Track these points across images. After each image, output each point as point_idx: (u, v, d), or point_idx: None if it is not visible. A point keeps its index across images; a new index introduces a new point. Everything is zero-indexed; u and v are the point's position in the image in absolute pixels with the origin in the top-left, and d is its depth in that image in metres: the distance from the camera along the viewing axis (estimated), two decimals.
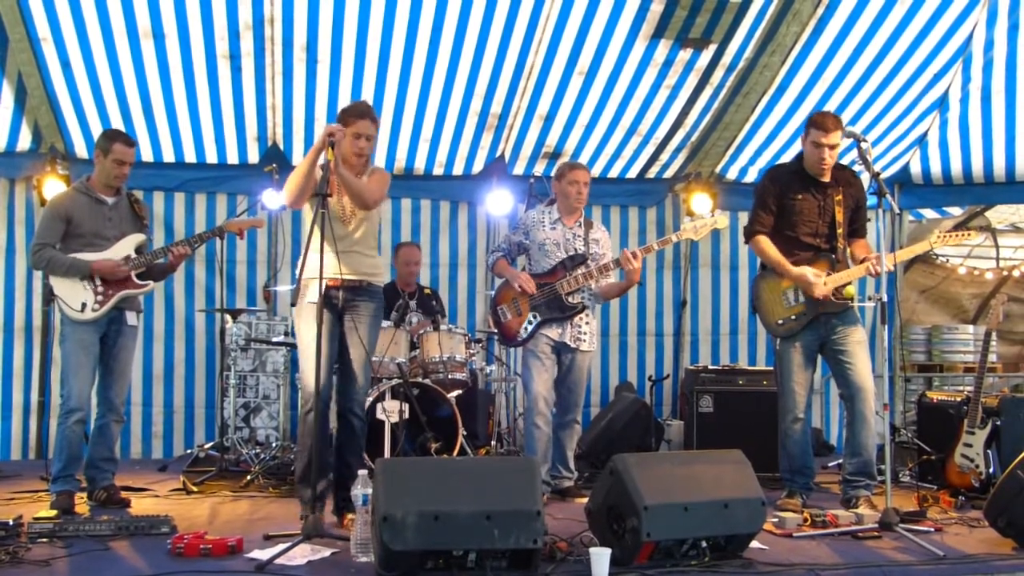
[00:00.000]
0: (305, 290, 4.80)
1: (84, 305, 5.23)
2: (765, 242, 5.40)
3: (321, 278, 4.42)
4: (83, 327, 5.24)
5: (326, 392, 4.77)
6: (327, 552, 4.08)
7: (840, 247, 5.37)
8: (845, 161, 5.42)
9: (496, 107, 7.30)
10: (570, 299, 5.66)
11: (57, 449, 5.20)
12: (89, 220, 5.30)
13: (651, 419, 7.12)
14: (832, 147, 5.21)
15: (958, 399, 6.06)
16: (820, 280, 5.21)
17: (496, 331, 6.01)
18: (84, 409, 5.21)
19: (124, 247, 5.36)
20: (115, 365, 5.41)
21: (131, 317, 5.44)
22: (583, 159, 7.82)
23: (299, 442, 4.87)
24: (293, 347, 7.19)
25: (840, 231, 5.36)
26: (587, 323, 5.77)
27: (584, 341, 5.74)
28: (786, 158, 7.46)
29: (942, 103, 7.41)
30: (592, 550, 3.74)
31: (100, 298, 5.26)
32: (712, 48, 6.79)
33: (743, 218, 5.65)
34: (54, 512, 4.84)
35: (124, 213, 5.46)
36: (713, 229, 5.73)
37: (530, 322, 5.68)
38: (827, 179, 5.35)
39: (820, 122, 5.20)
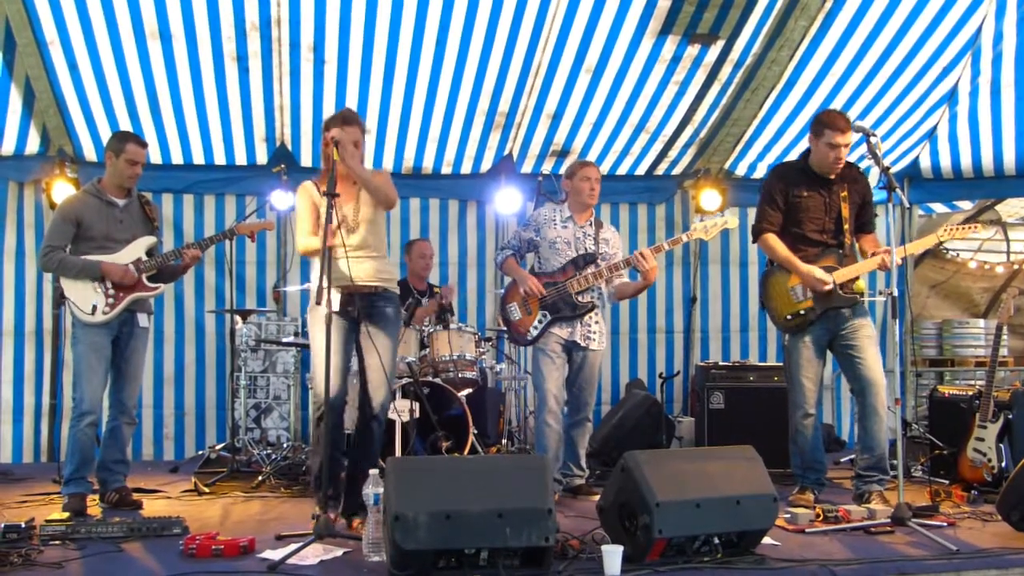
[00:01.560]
0: (324, 295, 4.79)
1: (95, 308, 5.23)
2: (774, 239, 5.39)
3: (329, 282, 4.42)
4: (95, 330, 5.25)
5: (338, 399, 4.76)
6: (339, 552, 4.08)
7: (847, 243, 5.37)
8: (855, 155, 5.41)
9: (504, 105, 7.30)
10: (580, 298, 5.64)
11: (69, 452, 5.22)
12: (100, 223, 5.30)
13: (662, 416, 7.12)
14: (846, 146, 5.23)
15: (970, 393, 6.04)
16: (829, 278, 5.20)
17: (506, 329, 6.01)
18: (96, 412, 5.22)
19: (135, 250, 5.37)
20: (127, 368, 5.41)
21: (142, 319, 5.45)
22: (591, 157, 7.82)
23: (312, 448, 4.92)
24: (303, 347, 7.22)
25: (847, 227, 5.36)
26: (597, 322, 5.75)
27: (594, 340, 5.73)
28: (795, 153, 7.45)
29: (951, 97, 7.39)
30: (604, 547, 3.73)
31: (111, 300, 5.26)
32: (720, 44, 6.78)
33: (752, 214, 5.64)
34: (66, 514, 4.86)
35: (135, 215, 5.46)
36: (724, 229, 5.71)
37: (540, 321, 5.67)
38: (833, 176, 5.35)
39: (835, 122, 5.19)
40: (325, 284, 4.59)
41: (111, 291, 5.27)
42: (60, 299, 5.35)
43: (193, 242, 5.60)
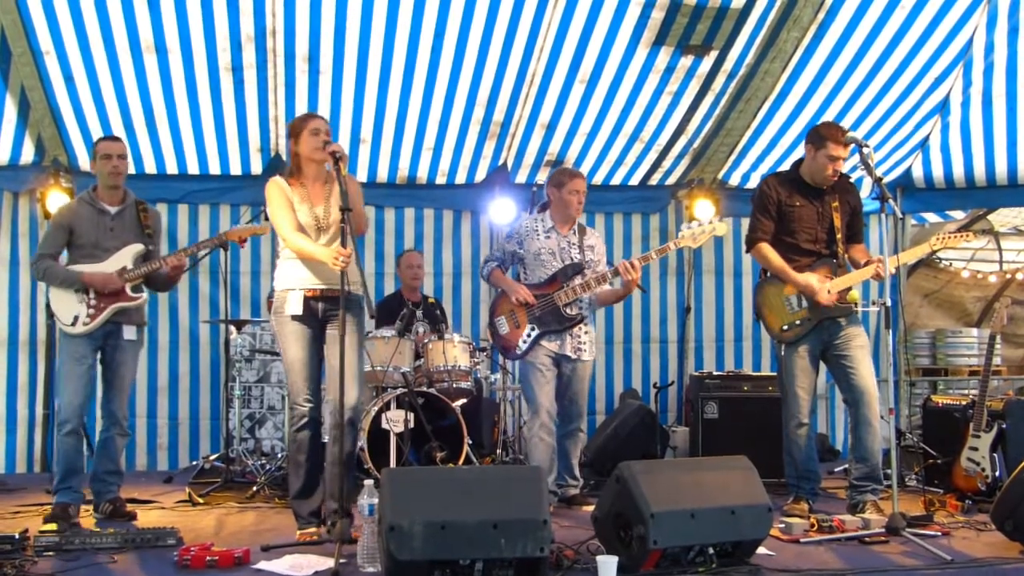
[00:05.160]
0: (283, 303, 4.75)
1: (76, 318, 5.18)
2: (768, 249, 5.41)
3: (344, 288, 4.45)
4: (76, 340, 5.19)
5: (318, 408, 4.75)
6: (333, 563, 4.07)
7: (840, 253, 5.39)
8: (847, 165, 5.45)
9: (498, 115, 7.31)
10: (568, 310, 5.62)
11: (55, 461, 5.20)
12: (90, 231, 5.27)
13: (656, 426, 7.13)
14: (844, 159, 5.28)
15: (963, 403, 6.06)
16: (825, 287, 5.22)
17: (494, 343, 6.00)
18: (73, 421, 5.13)
19: (120, 259, 5.30)
20: (115, 380, 5.35)
21: (129, 331, 5.35)
22: (585, 167, 7.83)
23: (291, 459, 4.81)
24: None
25: (839, 236, 5.40)
26: (586, 333, 5.74)
27: (584, 351, 5.72)
28: (788, 163, 7.49)
29: (943, 107, 7.42)
30: (599, 558, 3.73)
31: (92, 311, 5.20)
32: (713, 55, 6.80)
33: (746, 224, 5.66)
34: (51, 525, 4.79)
35: (128, 222, 5.40)
36: (713, 236, 5.70)
37: (528, 335, 5.64)
38: (825, 187, 5.38)
39: (836, 134, 5.23)
40: (290, 287, 4.62)
41: (93, 301, 5.21)
42: (47, 310, 5.32)
43: (179, 249, 5.53)
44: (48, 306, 5.32)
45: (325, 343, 4.80)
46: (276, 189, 4.80)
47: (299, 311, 4.69)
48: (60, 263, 5.33)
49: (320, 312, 4.75)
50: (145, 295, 5.43)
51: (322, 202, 4.76)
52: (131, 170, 7.33)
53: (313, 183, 4.80)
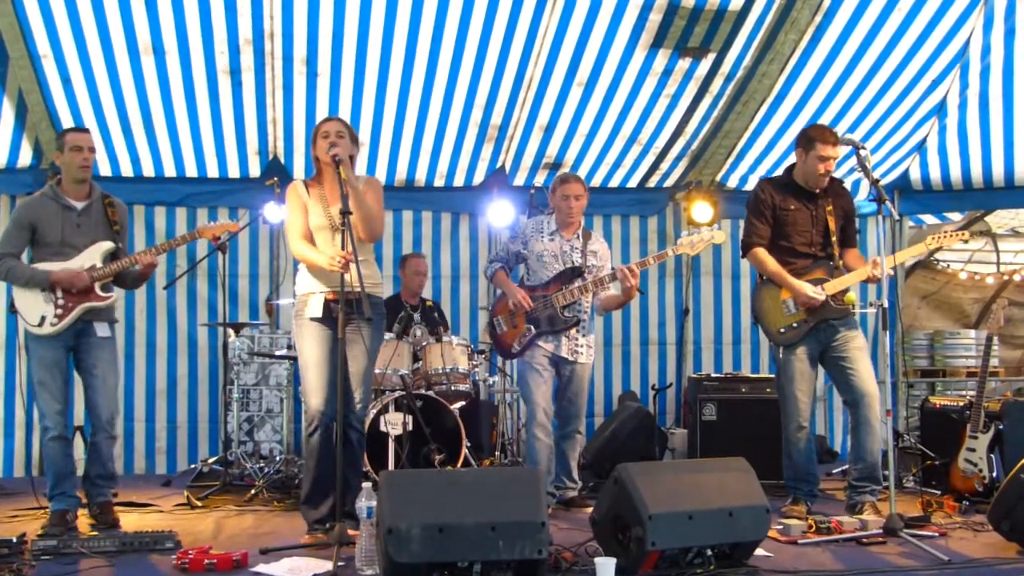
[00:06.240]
0: (304, 306, 4.80)
1: (43, 319, 5.00)
2: (763, 254, 5.42)
3: (342, 292, 4.46)
4: (44, 342, 5.03)
5: (332, 411, 4.71)
6: (331, 565, 4.07)
7: (835, 255, 5.41)
8: (844, 168, 5.47)
9: (496, 118, 7.32)
10: (565, 312, 5.64)
11: (45, 468, 5.13)
12: (55, 228, 5.05)
13: (655, 428, 7.13)
14: (835, 159, 5.30)
15: (961, 404, 6.07)
16: (820, 294, 5.23)
17: (492, 342, 6.01)
18: (55, 427, 4.98)
19: (89, 257, 5.10)
20: (93, 381, 5.14)
21: (101, 328, 5.15)
22: (583, 169, 7.84)
23: (304, 463, 4.88)
24: (296, 360, 7.21)
25: (834, 239, 5.42)
26: (584, 335, 5.76)
27: (582, 353, 5.73)
28: (787, 165, 7.51)
29: (940, 109, 7.43)
30: (597, 560, 3.73)
31: (59, 311, 5.00)
32: (711, 57, 6.81)
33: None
34: (42, 531, 4.74)
35: (96, 218, 5.18)
36: (711, 244, 5.70)
37: (525, 335, 5.66)
38: (818, 190, 5.39)
39: (824, 135, 5.26)
40: (311, 291, 4.60)
41: (60, 301, 5.01)
42: (10, 309, 5.11)
43: (152, 246, 5.37)
44: (11, 305, 5.11)
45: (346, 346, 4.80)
46: (292, 194, 4.88)
47: (319, 314, 4.75)
48: (24, 262, 5.14)
49: (339, 314, 4.74)
50: (115, 294, 5.26)
51: (337, 202, 4.73)
52: (129, 173, 7.40)
53: (331, 185, 4.81)
